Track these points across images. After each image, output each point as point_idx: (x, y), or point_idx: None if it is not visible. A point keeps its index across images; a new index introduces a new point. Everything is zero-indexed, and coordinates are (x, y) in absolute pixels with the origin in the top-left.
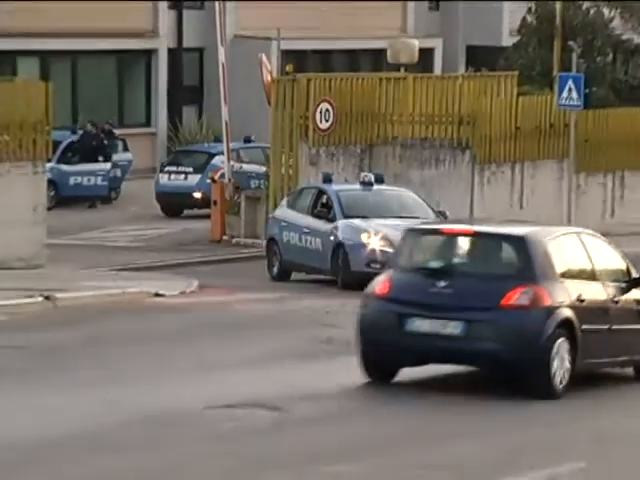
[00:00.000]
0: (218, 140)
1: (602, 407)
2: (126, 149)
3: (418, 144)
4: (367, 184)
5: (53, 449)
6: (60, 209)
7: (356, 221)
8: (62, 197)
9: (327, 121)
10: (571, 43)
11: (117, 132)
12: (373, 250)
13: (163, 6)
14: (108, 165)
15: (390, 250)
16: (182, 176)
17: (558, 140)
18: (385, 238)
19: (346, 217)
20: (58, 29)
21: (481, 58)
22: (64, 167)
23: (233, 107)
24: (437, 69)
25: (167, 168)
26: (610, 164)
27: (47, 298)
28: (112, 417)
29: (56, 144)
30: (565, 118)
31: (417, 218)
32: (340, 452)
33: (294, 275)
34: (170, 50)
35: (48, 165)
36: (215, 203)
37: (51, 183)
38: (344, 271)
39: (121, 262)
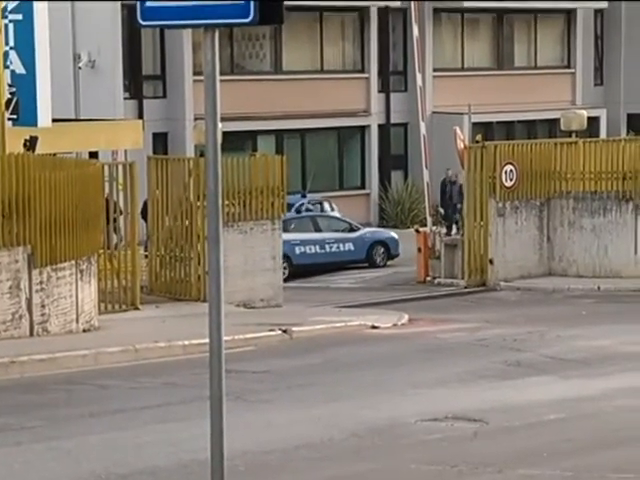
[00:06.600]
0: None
1: None
2: (332, 209)
3: (589, 197)
4: None
5: (281, 459)
6: None
7: None
8: None
9: (511, 180)
10: None
11: (336, 194)
12: None
13: (374, 90)
14: None
15: None
16: None
17: None
18: None
19: None
20: (290, 112)
21: None
22: None
23: (432, 171)
24: (602, 134)
25: None
26: None
27: (285, 331)
28: (337, 429)
29: (290, 206)
30: None
31: None
32: (533, 457)
33: (483, 308)
34: (380, 126)
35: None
36: (420, 250)
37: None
38: None
39: (344, 300)
